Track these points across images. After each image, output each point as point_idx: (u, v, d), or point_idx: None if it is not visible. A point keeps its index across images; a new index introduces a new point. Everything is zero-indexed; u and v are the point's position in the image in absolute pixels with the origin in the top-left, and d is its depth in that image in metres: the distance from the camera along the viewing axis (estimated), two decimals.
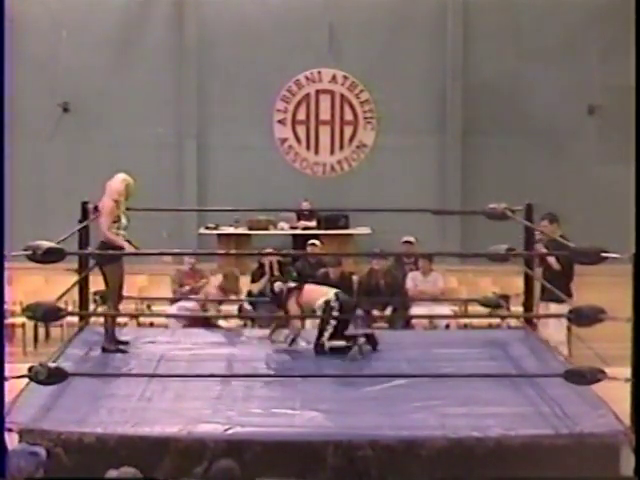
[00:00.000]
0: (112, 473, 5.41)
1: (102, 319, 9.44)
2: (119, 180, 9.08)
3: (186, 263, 12.92)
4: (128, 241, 9.03)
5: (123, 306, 9.62)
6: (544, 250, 10.21)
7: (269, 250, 12.16)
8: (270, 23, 16.44)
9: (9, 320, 11.34)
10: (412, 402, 7.52)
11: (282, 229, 15.86)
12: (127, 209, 9.17)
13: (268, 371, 8.57)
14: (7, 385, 6.00)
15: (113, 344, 9.04)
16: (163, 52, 16.56)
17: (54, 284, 11.59)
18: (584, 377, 7.31)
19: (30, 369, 7.13)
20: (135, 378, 8.11)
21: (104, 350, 9.00)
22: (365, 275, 12.27)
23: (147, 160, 16.05)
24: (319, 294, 9.24)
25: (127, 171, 9.30)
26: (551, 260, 10.35)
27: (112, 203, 8.96)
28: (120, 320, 10.31)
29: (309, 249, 12.90)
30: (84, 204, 9.81)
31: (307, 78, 16.55)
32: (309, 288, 9.43)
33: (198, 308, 12.28)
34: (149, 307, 12.60)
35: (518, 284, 10.70)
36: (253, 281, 12.44)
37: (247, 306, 11.80)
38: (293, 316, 9.33)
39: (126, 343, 9.24)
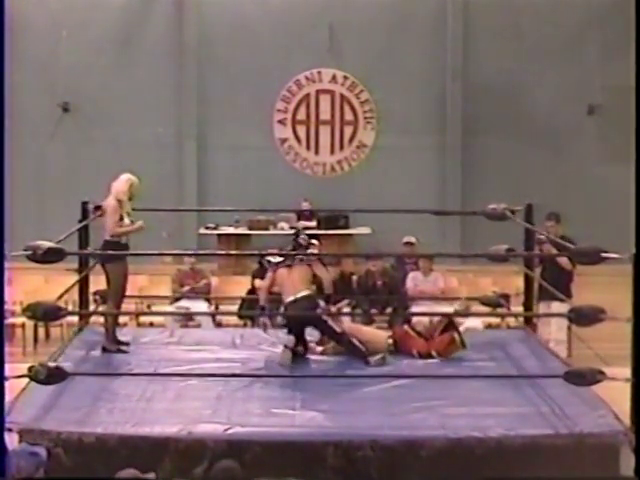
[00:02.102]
0: (129, 471, 5.37)
1: (102, 319, 9.44)
2: (123, 180, 9.13)
3: (186, 263, 12.95)
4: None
5: (123, 306, 9.62)
6: (553, 250, 10.18)
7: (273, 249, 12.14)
8: (270, 23, 16.42)
9: (9, 320, 11.34)
10: (412, 402, 7.52)
11: (282, 229, 15.84)
12: (132, 209, 9.17)
13: (268, 371, 8.57)
14: (7, 385, 6.00)
15: (114, 344, 9.05)
16: (163, 52, 16.53)
17: (54, 284, 11.60)
18: (584, 378, 7.31)
19: (30, 369, 7.13)
20: (135, 378, 8.12)
21: (104, 350, 9.00)
22: (363, 275, 12.26)
23: (147, 160, 16.01)
24: (291, 290, 8.79)
25: (127, 171, 9.31)
26: (563, 260, 10.33)
27: (115, 202, 8.99)
28: (120, 320, 10.31)
29: None
30: (84, 204, 9.81)
31: (307, 78, 16.53)
32: (284, 276, 8.91)
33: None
34: (149, 307, 12.60)
35: (518, 284, 10.71)
36: (254, 279, 12.45)
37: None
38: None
39: (126, 343, 9.24)
